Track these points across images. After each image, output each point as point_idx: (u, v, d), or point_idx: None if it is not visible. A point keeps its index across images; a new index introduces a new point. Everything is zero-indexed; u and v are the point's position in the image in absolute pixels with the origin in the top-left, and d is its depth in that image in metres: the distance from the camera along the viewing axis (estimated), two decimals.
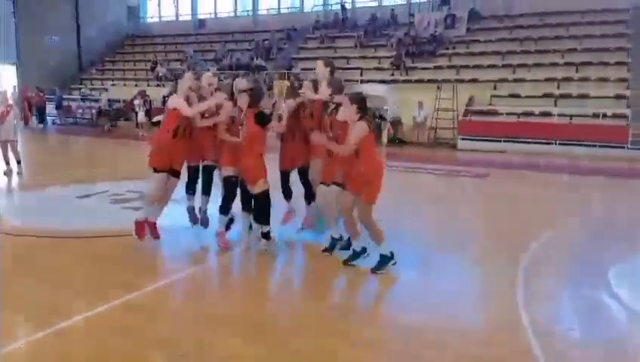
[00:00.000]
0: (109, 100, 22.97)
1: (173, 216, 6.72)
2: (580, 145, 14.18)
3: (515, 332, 3.47)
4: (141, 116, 19.49)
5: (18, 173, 9.24)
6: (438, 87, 16.17)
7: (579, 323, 3.75)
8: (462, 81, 17.11)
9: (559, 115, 15.13)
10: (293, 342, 3.32)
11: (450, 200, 8.18)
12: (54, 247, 5.23)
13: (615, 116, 14.63)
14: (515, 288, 4.24)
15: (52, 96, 23.32)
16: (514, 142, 14.90)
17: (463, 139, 15.60)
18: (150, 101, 20.51)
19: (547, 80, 16.43)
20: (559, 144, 14.51)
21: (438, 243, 5.64)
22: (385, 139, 14.48)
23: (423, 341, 3.39)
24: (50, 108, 23.18)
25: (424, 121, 16.25)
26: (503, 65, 17.73)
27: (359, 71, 19.81)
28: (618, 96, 15.19)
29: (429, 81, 17.62)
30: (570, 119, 14.93)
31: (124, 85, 24.67)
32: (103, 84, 25.67)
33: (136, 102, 20.71)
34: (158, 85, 23.09)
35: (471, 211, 7.49)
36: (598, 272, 4.66)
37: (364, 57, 20.76)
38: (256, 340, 3.34)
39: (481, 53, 18.64)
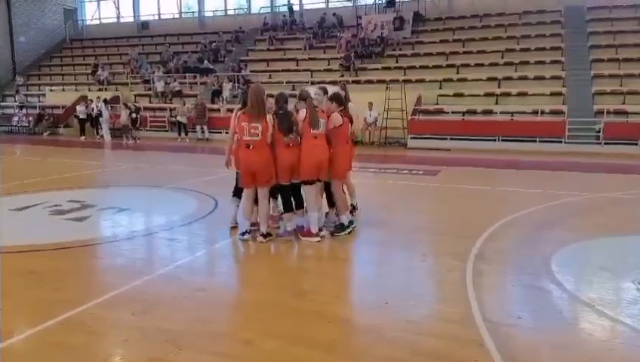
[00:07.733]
0: (47, 107, 21.83)
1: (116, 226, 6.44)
2: (522, 140, 14.85)
3: (465, 323, 3.54)
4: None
5: None
6: (387, 88, 16.46)
7: (526, 311, 3.87)
8: (409, 81, 17.51)
9: (501, 113, 15.78)
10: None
11: (400, 198, 8.31)
12: None
13: (552, 112, 15.43)
14: (466, 280, 4.34)
15: None
16: (460, 139, 15.40)
17: (413, 137, 15.95)
18: (94, 107, 19.68)
19: (489, 79, 17.10)
20: (502, 140, 15.13)
21: (392, 239, 5.69)
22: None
23: (376, 338, 3.40)
24: None
25: (375, 121, 16.50)
26: (447, 66, 18.30)
27: (309, 72, 19.87)
28: (554, 94, 16.03)
29: (378, 81, 17.92)
30: (512, 116, 15.60)
31: (63, 90, 23.55)
32: (40, 90, 24.40)
33: (78, 108, 19.86)
34: (100, 89, 22.19)
35: (421, 208, 7.64)
36: (543, 261, 4.85)
37: (313, 59, 20.85)
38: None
39: (427, 54, 19.16)
